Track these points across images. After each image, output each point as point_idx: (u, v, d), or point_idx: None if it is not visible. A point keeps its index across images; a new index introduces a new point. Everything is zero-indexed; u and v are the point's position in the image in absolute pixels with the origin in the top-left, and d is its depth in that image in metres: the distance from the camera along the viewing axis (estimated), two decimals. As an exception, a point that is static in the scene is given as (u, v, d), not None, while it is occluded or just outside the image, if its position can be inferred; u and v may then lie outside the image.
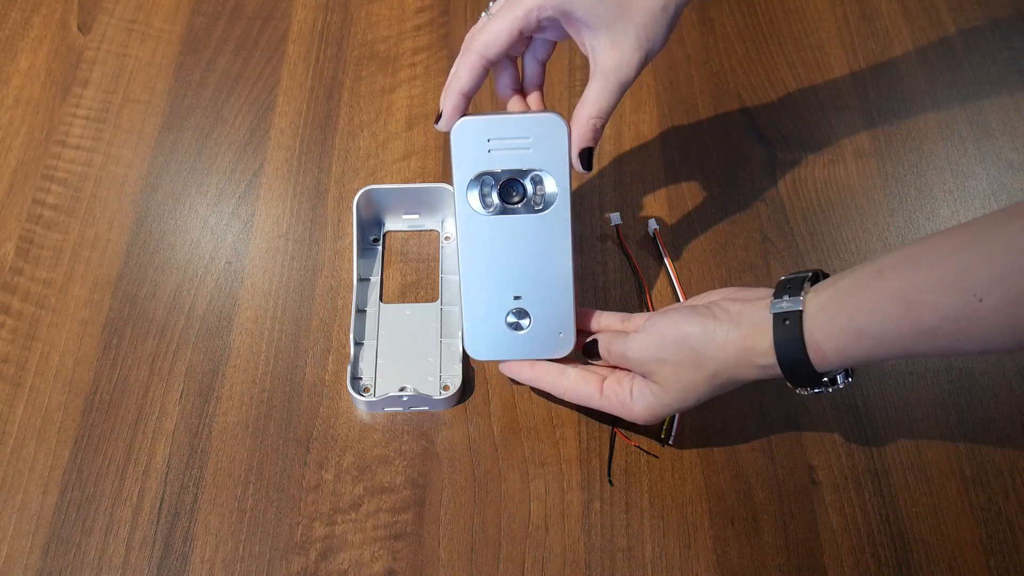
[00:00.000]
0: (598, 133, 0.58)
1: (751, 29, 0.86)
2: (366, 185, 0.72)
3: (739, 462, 0.64)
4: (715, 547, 0.61)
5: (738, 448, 0.64)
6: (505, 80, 0.62)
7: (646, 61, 0.58)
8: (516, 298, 0.62)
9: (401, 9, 0.87)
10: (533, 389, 0.66)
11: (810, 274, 0.53)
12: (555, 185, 0.60)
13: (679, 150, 0.79)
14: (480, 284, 0.62)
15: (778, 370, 0.52)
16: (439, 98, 0.60)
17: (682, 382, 0.56)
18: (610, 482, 0.63)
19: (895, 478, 0.63)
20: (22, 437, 0.64)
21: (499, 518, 0.62)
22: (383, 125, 0.80)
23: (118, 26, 0.86)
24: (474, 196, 0.60)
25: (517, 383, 0.67)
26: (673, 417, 0.64)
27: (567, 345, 0.63)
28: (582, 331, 0.64)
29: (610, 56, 0.57)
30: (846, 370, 0.54)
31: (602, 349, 0.61)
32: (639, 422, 0.59)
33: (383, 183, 0.74)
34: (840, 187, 0.76)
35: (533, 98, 0.62)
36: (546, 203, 0.60)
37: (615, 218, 0.74)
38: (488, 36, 0.57)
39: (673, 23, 0.58)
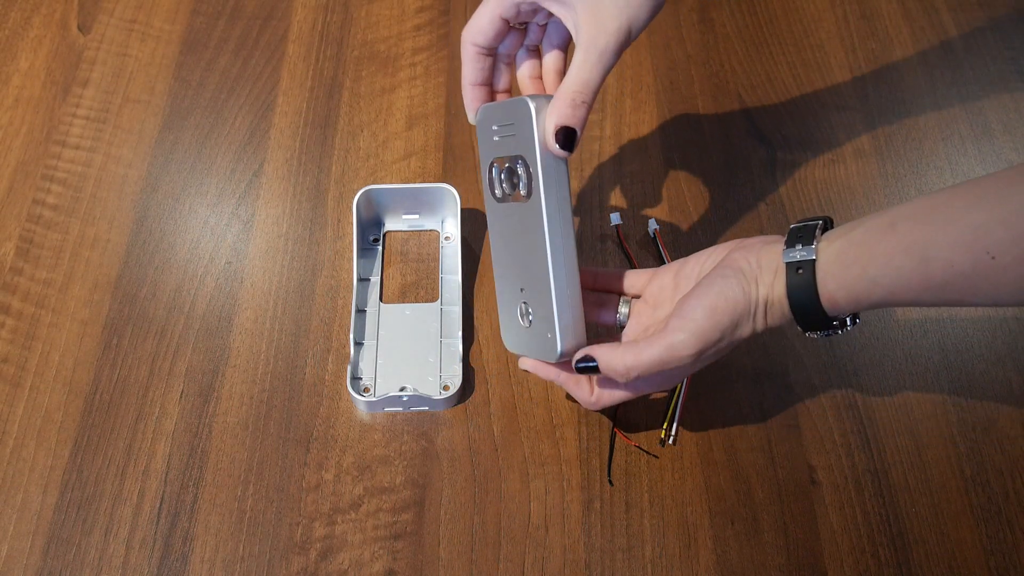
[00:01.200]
0: (580, 109, 0.54)
1: (751, 29, 0.86)
2: (366, 185, 0.71)
3: (739, 462, 0.64)
4: (715, 547, 0.61)
5: (738, 448, 0.64)
6: (524, 70, 0.61)
7: (628, 31, 0.54)
8: (521, 290, 0.59)
9: (401, 9, 0.87)
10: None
11: (820, 221, 0.54)
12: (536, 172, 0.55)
13: (679, 150, 0.79)
14: (499, 273, 0.61)
15: (791, 314, 0.53)
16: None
17: (733, 344, 0.55)
18: (610, 482, 0.63)
19: (895, 478, 0.63)
20: (22, 437, 0.64)
21: (499, 518, 0.62)
22: (383, 125, 0.80)
23: (118, 26, 0.86)
24: (491, 182, 0.59)
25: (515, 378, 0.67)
26: (673, 417, 0.64)
27: (552, 350, 0.56)
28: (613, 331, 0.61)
29: (588, 27, 0.54)
30: (854, 313, 0.55)
31: (618, 375, 0.55)
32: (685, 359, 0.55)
33: (383, 183, 0.74)
34: (840, 187, 0.76)
35: (548, 81, 0.60)
36: (528, 191, 0.56)
37: (615, 218, 0.74)
38: (473, 25, 0.58)
39: None
